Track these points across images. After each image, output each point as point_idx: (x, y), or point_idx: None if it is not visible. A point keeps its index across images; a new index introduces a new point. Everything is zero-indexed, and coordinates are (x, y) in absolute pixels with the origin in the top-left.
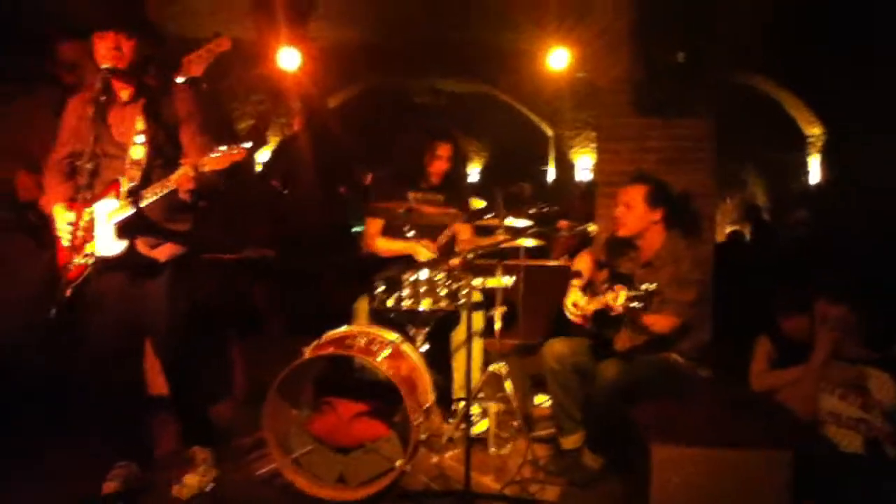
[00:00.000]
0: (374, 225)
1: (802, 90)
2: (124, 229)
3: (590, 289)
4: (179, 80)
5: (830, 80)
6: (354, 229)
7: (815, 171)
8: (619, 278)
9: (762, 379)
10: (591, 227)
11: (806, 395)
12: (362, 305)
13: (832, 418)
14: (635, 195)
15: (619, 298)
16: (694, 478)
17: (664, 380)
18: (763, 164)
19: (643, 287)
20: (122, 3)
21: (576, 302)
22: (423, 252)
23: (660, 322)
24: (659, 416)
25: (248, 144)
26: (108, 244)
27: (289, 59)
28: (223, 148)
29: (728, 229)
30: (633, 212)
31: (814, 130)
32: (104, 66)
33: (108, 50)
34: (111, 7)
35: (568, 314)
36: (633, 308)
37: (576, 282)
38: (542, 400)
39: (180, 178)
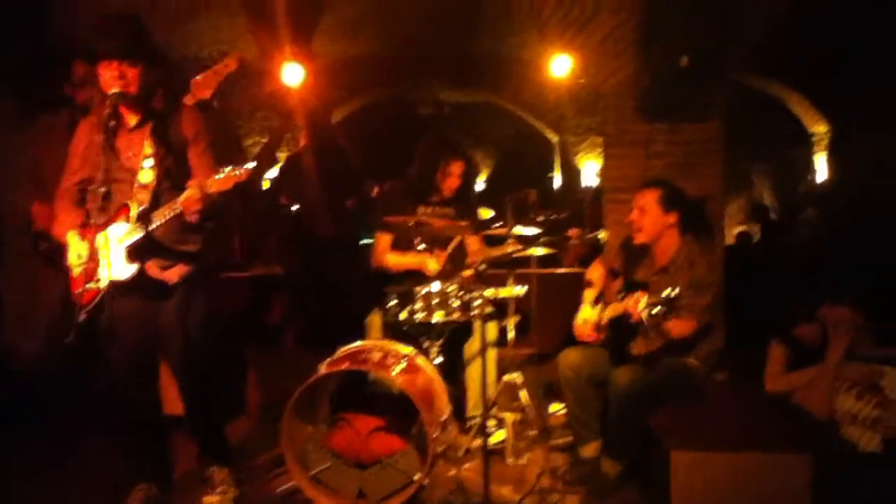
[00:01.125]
0: (384, 240)
1: (806, 88)
2: (135, 252)
3: (602, 299)
4: (188, 102)
5: (834, 77)
6: (363, 242)
7: (821, 169)
8: (634, 286)
9: (778, 381)
10: (602, 235)
11: (822, 395)
12: (375, 319)
13: (849, 418)
14: (649, 199)
15: (640, 304)
16: (713, 482)
17: (680, 385)
18: (769, 163)
19: (664, 293)
20: (126, 31)
21: (587, 319)
22: (433, 264)
23: (679, 327)
24: (677, 421)
25: (252, 164)
26: (119, 268)
27: (291, 75)
28: (227, 169)
29: (735, 230)
30: (648, 216)
31: (819, 128)
32: (112, 91)
33: (113, 78)
34: (114, 36)
35: (577, 335)
36: (655, 314)
37: (588, 295)
38: (557, 408)
39: (187, 200)
